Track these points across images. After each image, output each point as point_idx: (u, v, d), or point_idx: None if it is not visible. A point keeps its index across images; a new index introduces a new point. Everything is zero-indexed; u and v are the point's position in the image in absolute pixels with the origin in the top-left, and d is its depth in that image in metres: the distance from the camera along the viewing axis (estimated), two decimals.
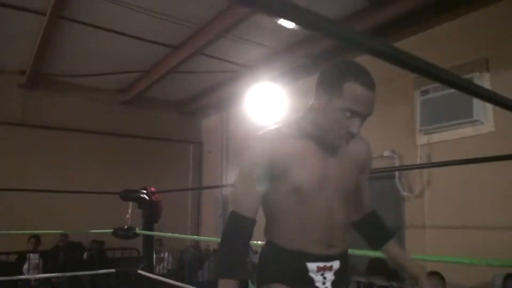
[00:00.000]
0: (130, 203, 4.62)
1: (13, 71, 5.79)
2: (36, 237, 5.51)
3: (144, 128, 6.79)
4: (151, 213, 4.56)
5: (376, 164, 4.17)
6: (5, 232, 4.68)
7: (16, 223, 5.43)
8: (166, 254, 6.18)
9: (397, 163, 4.06)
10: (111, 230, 4.50)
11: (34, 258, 5.34)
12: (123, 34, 4.77)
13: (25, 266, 5.20)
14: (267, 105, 5.30)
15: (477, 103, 3.49)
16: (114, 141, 6.56)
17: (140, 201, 4.50)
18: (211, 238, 4.48)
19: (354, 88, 1.23)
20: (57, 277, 5.06)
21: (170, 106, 7.02)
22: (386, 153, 4.08)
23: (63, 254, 5.64)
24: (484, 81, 3.53)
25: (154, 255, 5.85)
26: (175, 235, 5.00)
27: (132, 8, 4.14)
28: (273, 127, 1.35)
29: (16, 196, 5.60)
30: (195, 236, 6.70)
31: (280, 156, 1.28)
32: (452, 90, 3.65)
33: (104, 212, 5.53)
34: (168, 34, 4.75)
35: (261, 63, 5.13)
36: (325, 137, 1.30)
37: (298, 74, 5.09)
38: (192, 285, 3.65)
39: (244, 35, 4.51)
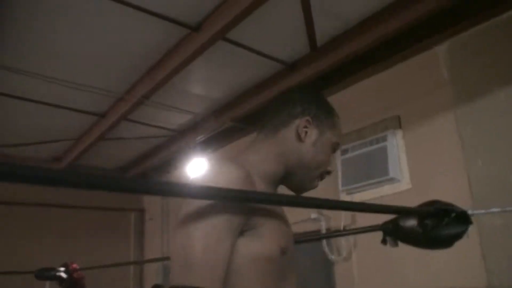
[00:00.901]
0: (47, 283, 4.28)
1: None
2: None
3: (80, 198, 6.48)
4: None
5: (303, 227, 4.04)
6: None
7: None
8: None
9: (324, 225, 3.94)
10: None
11: None
12: (47, 104, 4.65)
13: None
14: (203, 167, 5.20)
15: (392, 161, 3.47)
16: (48, 214, 6.23)
17: (59, 279, 4.17)
18: None
19: (338, 121, 1.15)
20: None
21: (107, 173, 6.79)
22: (313, 215, 3.97)
23: None
24: (398, 137, 3.53)
25: None
26: None
27: (49, 80, 4.06)
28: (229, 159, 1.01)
29: None
30: None
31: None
32: (370, 148, 3.64)
33: None
34: (91, 103, 4.66)
35: (189, 128, 5.08)
36: (300, 179, 1.07)
37: (227, 137, 5.05)
38: None
39: (167, 101, 4.47)
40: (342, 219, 3.76)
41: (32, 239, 6.00)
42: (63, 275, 4.17)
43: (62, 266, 4.31)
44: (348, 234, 3.46)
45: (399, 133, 3.54)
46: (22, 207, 6.05)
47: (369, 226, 1.62)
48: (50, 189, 6.24)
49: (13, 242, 5.86)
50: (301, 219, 4.01)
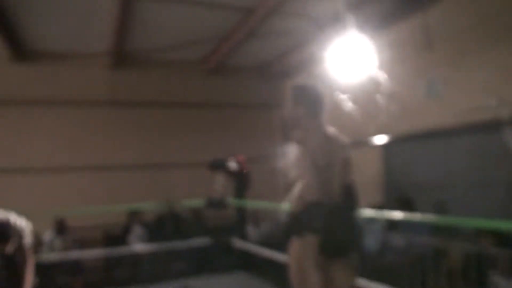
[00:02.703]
0: (220, 173, 4.59)
1: (97, 53, 5.98)
2: (136, 212, 5.73)
3: (227, 96, 6.81)
4: (241, 181, 4.50)
5: (479, 115, 3.72)
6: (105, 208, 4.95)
7: (117, 198, 5.76)
8: (263, 222, 6.15)
9: (505, 112, 3.57)
10: (203, 201, 4.54)
11: (138, 229, 5.60)
12: (195, 3, 4.68)
13: (130, 237, 5.49)
14: (352, 60, 4.95)
15: None
16: (200, 111, 6.67)
17: (229, 170, 4.46)
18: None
19: None
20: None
21: (252, 71, 6.93)
22: (491, 102, 3.61)
23: (167, 225, 5.85)
24: None
25: (251, 223, 5.89)
26: (267, 204, 4.95)
27: None
28: None
29: (114, 172, 5.97)
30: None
31: None
32: None
33: (195, 183, 5.59)
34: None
35: (340, 17, 4.78)
36: None
37: (382, 24, 4.68)
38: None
39: None
40: None
41: (187, 136, 6.56)
42: (234, 165, 4.46)
43: (231, 157, 4.60)
44: None
45: None
46: (183, 108, 6.55)
47: None
48: (202, 89, 6.63)
49: (179, 138, 6.52)
50: (474, 106, 3.69)
